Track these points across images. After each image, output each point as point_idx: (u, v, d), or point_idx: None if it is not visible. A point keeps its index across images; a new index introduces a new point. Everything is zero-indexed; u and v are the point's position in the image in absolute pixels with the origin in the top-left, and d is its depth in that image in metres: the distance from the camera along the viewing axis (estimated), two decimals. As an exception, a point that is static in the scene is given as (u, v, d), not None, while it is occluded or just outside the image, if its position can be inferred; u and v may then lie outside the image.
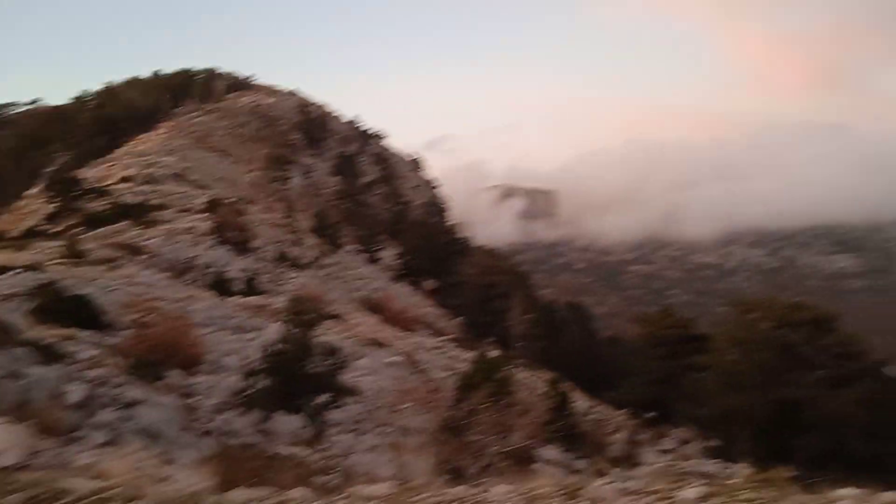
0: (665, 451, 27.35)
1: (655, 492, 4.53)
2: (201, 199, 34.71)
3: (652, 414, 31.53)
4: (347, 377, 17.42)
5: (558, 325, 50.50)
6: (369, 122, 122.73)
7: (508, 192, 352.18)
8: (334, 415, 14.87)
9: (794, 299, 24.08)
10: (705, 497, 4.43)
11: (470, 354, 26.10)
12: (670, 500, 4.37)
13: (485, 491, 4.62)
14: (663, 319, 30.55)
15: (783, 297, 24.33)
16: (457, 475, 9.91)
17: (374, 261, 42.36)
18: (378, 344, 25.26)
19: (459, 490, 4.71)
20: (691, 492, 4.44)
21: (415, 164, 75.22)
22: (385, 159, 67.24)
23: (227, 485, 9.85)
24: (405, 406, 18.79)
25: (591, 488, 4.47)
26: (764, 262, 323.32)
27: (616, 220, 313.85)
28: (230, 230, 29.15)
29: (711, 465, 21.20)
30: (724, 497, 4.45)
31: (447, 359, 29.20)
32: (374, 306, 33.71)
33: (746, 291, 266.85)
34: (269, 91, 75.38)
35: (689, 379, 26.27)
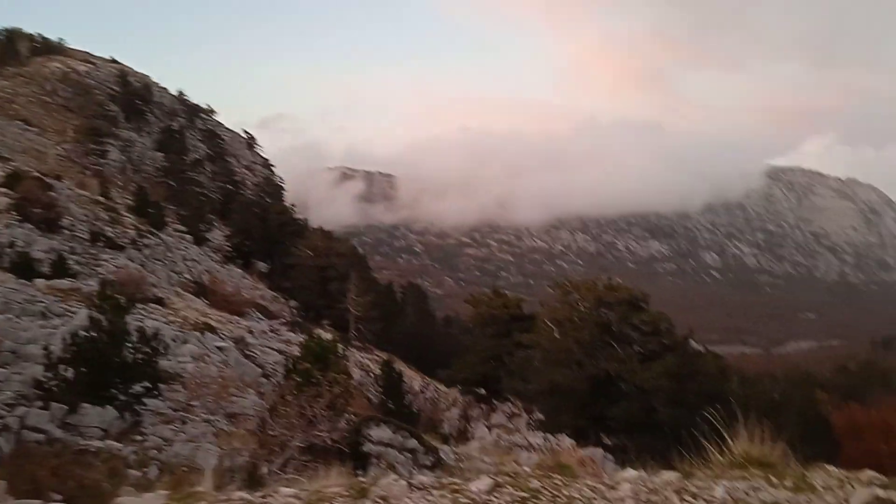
0: (495, 426, 28.50)
1: (446, 486, 4.54)
2: (0, 171, 31.15)
3: (483, 390, 32.76)
4: (169, 364, 16.40)
5: (396, 307, 50.90)
6: (199, 97, 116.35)
7: (347, 175, 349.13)
8: (153, 404, 13.93)
9: (611, 280, 25.78)
10: (494, 488, 4.50)
11: (304, 338, 25.58)
12: (460, 494, 4.39)
13: (266, 497, 4.41)
14: (494, 300, 31.62)
15: (602, 279, 25.96)
16: (257, 471, 9.60)
17: (202, 242, 40.19)
18: (205, 328, 24.06)
19: (238, 497, 4.46)
20: (482, 484, 4.49)
21: (248, 142, 72.11)
22: (216, 136, 63.74)
23: (26, 486, 8.90)
24: (232, 393, 18.06)
25: (382, 485, 4.39)
26: (587, 246, 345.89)
27: (452, 204, 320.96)
28: (35, 206, 26.38)
29: (537, 437, 22.34)
30: (512, 487, 4.55)
31: (280, 343, 28.42)
32: (201, 289, 32.08)
33: (572, 273, 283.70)
34: (84, 57, 68.86)
35: (517, 356, 27.44)
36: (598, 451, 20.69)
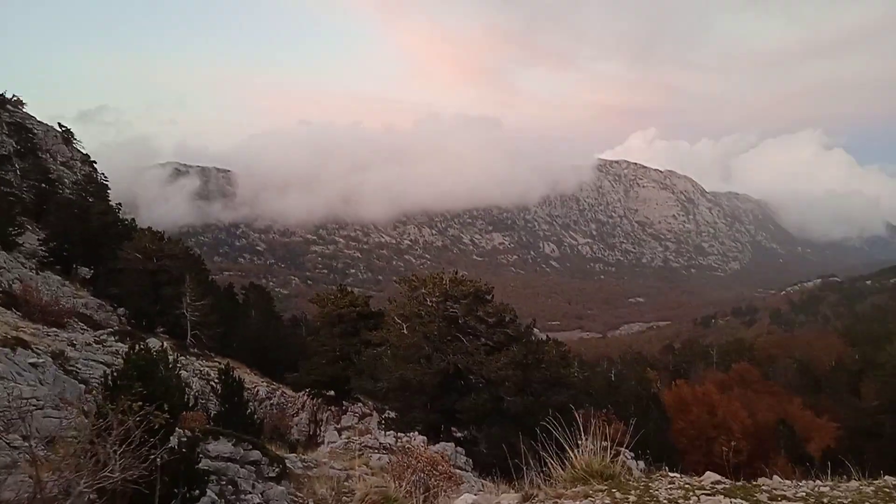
0: (346, 428, 27.82)
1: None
2: None
3: (332, 392, 31.94)
4: (-34, 389, 14.30)
5: (238, 310, 48.60)
6: (2, 87, 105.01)
7: (180, 171, 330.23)
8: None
9: (457, 274, 25.88)
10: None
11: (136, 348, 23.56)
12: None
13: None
14: (340, 299, 30.88)
15: (449, 273, 26.00)
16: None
17: (11, 247, 36.05)
18: (16, 344, 21.46)
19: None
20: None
21: (65, 137, 65.80)
22: (25, 129, 57.45)
23: None
24: (47, 414, 16.16)
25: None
26: (434, 240, 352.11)
27: (296, 201, 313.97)
28: None
29: (389, 437, 21.95)
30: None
31: (107, 355, 26.04)
32: (11, 300, 28.71)
33: (420, 268, 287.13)
34: None
35: (366, 355, 26.91)
36: (450, 446, 20.62)
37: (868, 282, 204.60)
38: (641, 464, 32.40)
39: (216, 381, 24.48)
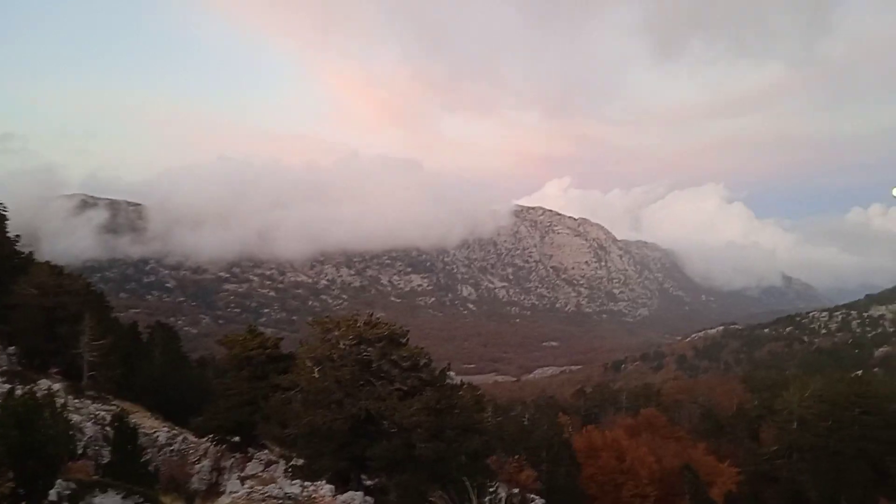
0: (249, 477, 26.63)
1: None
2: None
3: (237, 438, 30.62)
4: None
5: (141, 350, 46.35)
6: None
7: (88, 203, 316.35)
8: None
9: (372, 316, 25.52)
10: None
11: (24, 390, 21.94)
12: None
13: None
14: (249, 340, 29.87)
15: (363, 315, 25.61)
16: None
17: None
18: None
19: None
20: None
21: (-39, 163, 62.24)
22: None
23: None
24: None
25: None
26: (352, 280, 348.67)
27: (210, 237, 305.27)
28: None
29: (294, 486, 21.12)
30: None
31: (-10, 398, 24.24)
32: None
33: (337, 308, 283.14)
34: None
35: (274, 399, 25.98)
36: (359, 495, 20.02)
37: (766, 330, 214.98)
38: (553, 510, 32.44)
39: (111, 426, 23.08)
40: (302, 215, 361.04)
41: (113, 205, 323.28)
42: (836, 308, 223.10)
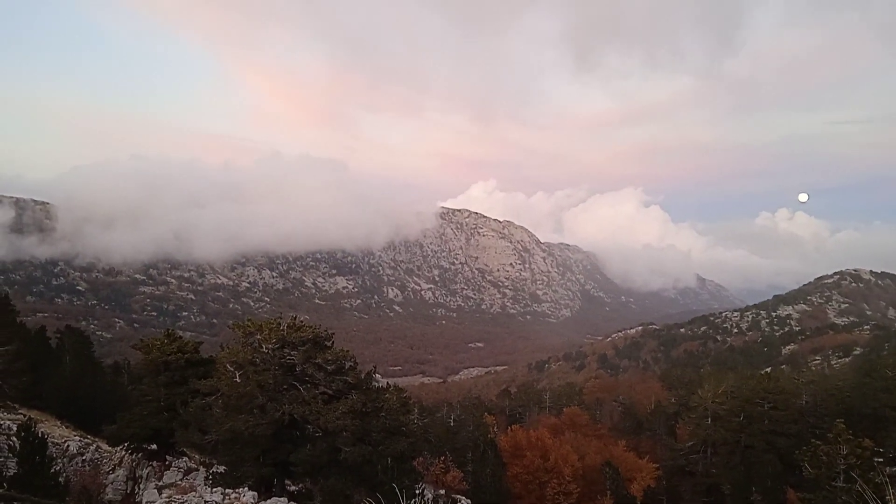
0: (167, 486, 25.63)
1: None
2: None
3: (154, 446, 29.43)
4: None
5: (50, 356, 44.09)
6: None
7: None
8: None
9: (295, 319, 24.98)
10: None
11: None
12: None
13: None
14: (166, 345, 28.76)
15: (286, 318, 25.03)
16: None
17: None
18: None
19: None
20: None
21: None
22: None
23: None
24: None
25: None
26: (275, 282, 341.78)
27: (122, 237, 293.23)
28: None
29: (216, 494, 20.44)
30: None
31: None
32: None
33: (259, 311, 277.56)
34: None
35: (194, 405, 25.09)
36: (282, 501, 19.56)
37: (682, 329, 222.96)
38: (478, 511, 32.59)
39: (17, 436, 21.78)
40: (220, 215, 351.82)
41: (18, 203, 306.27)
42: (747, 308, 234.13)
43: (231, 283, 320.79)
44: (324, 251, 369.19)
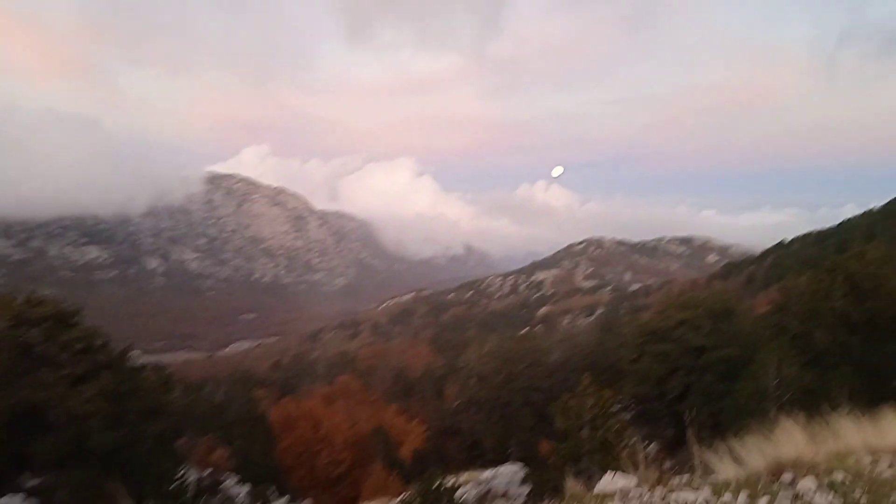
0: None
1: None
2: None
3: None
4: None
5: None
6: None
7: None
8: None
9: (34, 294, 22.21)
10: None
11: None
12: None
13: None
14: None
15: (23, 293, 22.16)
16: None
17: None
18: None
19: None
20: None
21: None
22: None
23: None
24: None
25: None
26: (11, 252, 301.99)
27: None
28: None
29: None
30: None
31: None
32: None
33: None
34: None
35: None
36: (17, 499, 17.45)
37: (451, 295, 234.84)
38: (248, 487, 31.77)
39: None
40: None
41: None
42: (508, 274, 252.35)
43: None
44: (72, 217, 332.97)
